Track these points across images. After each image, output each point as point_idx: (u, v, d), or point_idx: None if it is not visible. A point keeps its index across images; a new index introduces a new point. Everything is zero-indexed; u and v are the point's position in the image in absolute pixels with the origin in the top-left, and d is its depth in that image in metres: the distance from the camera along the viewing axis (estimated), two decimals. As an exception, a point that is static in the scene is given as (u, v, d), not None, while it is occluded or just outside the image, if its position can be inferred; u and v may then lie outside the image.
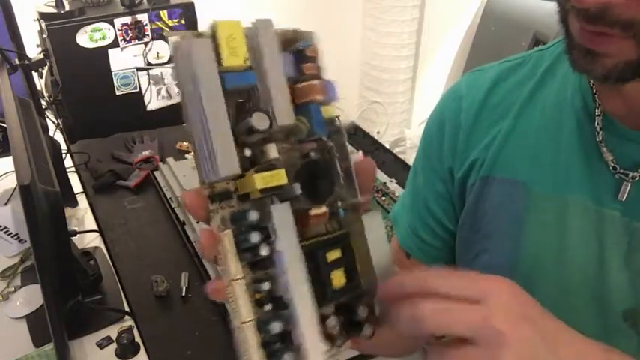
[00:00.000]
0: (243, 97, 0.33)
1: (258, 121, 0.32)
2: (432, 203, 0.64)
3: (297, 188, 0.33)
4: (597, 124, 0.51)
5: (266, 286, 0.32)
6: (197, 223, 1.16)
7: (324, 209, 0.35)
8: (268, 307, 0.32)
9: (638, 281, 0.49)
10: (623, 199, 0.49)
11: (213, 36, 0.32)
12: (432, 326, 0.34)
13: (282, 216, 0.32)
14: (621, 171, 0.49)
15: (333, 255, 0.35)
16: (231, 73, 0.32)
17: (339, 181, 0.36)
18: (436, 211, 0.64)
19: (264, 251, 0.32)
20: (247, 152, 0.33)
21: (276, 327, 0.31)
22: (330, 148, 0.36)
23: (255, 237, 0.32)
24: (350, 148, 1.51)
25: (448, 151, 0.61)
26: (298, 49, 0.36)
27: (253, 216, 0.32)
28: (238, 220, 0.32)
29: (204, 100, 0.30)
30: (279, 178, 0.32)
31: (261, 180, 0.31)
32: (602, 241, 0.50)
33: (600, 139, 0.51)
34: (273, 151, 0.33)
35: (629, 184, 0.49)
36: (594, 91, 0.52)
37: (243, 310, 0.31)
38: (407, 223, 0.68)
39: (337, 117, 0.38)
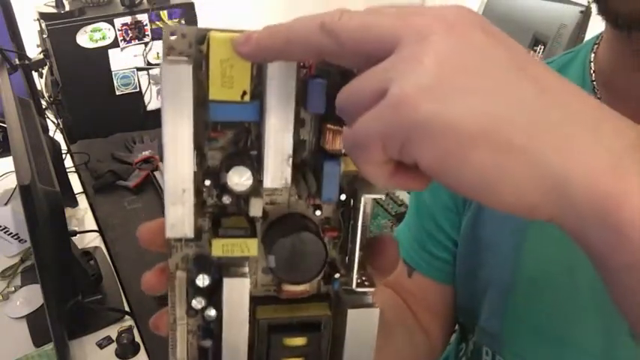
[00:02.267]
0: (240, 132, 0.27)
1: (236, 178, 0.26)
2: (439, 216, 0.63)
3: (272, 262, 0.27)
4: None
5: (207, 343, 0.29)
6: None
7: (302, 288, 0.29)
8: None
9: None
10: None
11: (207, 56, 0.25)
12: (338, 99, 0.23)
13: (235, 294, 0.27)
14: None
15: (295, 341, 0.29)
16: (222, 103, 0.25)
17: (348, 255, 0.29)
18: (444, 223, 0.63)
19: (212, 312, 0.28)
20: (226, 199, 0.27)
21: None
22: (341, 214, 0.29)
23: (198, 303, 0.28)
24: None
25: None
26: (347, 72, 0.25)
27: (202, 281, 0.27)
28: (191, 270, 0.28)
29: (166, 142, 0.25)
30: (245, 248, 0.26)
31: (219, 248, 0.26)
32: None
33: None
34: (256, 209, 0.27)
35: None
36: (598, 96, 0.51)
37: (179, 352, 0.29)
38: (413, 238, 0.66)
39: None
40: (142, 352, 0.92)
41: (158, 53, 1.63)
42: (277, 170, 0.26)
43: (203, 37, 0.25)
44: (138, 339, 0.93)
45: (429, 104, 0.20)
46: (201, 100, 0.25)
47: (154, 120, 1.67)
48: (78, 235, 1.17)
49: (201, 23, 1.65)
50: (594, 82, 0.52)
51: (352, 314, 0.28)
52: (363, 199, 0.27)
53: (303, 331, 0.29)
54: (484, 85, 0.21)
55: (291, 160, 0.26)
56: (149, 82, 1.66)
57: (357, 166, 0.23)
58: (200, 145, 0.27)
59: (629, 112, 0.53)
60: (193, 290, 0.28)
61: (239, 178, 0.26)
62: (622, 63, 0.48)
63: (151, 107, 1.69)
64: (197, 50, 0.25)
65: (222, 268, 0.28)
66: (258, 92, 0.25)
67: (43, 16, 1.49)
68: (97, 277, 1.02)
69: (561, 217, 0.21)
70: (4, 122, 1.13)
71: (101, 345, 0.93)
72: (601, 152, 0.20)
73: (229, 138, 0.27)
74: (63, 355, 0.81)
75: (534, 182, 0.20)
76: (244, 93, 0.25)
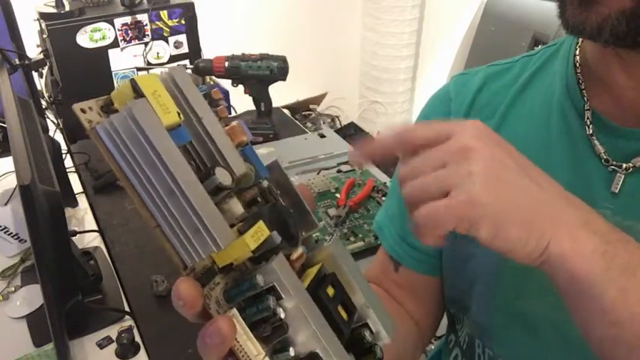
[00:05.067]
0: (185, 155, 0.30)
1: (223, 177, 0.29)
2: None
3: (277, 236, 0.31)
4: (587, 117, 0.51)
5: (292, 352, 0.30)
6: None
7: (300, 250, 0.33)
8: None
9: None
10: (617, 190, 0.49)
11: (140, 95, 0.28)
12: (409, 172, 0.37)
13: (284, 269, 0.30)
14: (614, 163, 0.50)
15: (330, 291, 0.34)
16: (174, 130, 0.28)
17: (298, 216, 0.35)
18: None
19: (282, 314, 0.29)
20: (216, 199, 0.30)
21: None
22: (269, 188, 0.34)
23: (271, 302, 0.29)
24: (346, 144, 1.51)
25: None
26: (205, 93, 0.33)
27: (260, 280, 0.29)
28: (237, 295, 0.30)
29: (172, 167, 0.27)
30: (262, 231, 0.30)
31: (251, 240, 0.29)
32: None
33: (591, 132, 0.51)
34: (237, 206, 0.31)
35: (623, 176, 0.49)
36: (583, 87, 0.53)
37: None
38: (395, 232, 0.66)
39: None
40: (142, 352, 0.92)
41: (158, 53, 1.63)
42: (236, 160, 0.31)
43: (107, 101, 0.29)
44: (138, 339, 0.93)
45: (487, 202, 0.34)
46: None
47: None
48: (78, 235, 1.17)
49: (202, 23, 1.65)
50: (579, 74, 0.54)
51: (329, 247, 0.35)
52: (281, 164, 0.35)
53: (324, 283, 0.34)
54: (509, 187, 0.35)
55: (236, 150, 0.32)
56: (149, 82, 1.66)
57: (422, 233, 0.36)
58: None
59: (612, 101, 0.55)
60: (257, 307, 0.29)
61: (224, 175, 0.29)
62: (602, 55, 0.50)
63: (151, 107, 1.69)
64: (106, 115, 0.29)
65: (251, 274, 0.30)
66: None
67: (43, 16, 1.49)
68: (97, 277, 1.02)
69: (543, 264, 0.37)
70: (4, 122, 1.13)
71: (101, 345, 0.93)
72: (572, 222, 0.36)
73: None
74: (63, 355, 0.81)
75: (535, 241, 0.35)
76: (178, 113, 0.29)
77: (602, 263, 0.35)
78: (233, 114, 1.70)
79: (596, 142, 0.51)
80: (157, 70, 1.64)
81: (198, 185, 0.28)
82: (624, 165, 0.49)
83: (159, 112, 0.28)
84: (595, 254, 0.35)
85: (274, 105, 1.59)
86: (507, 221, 0.34)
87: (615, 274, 0.35)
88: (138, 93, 0.28)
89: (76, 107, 0.28)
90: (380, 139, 0.39)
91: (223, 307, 0.30)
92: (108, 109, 0.29)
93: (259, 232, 0.29)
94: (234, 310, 0.29)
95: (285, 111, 1.88)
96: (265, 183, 0.34)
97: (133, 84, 0.28)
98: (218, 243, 0.27)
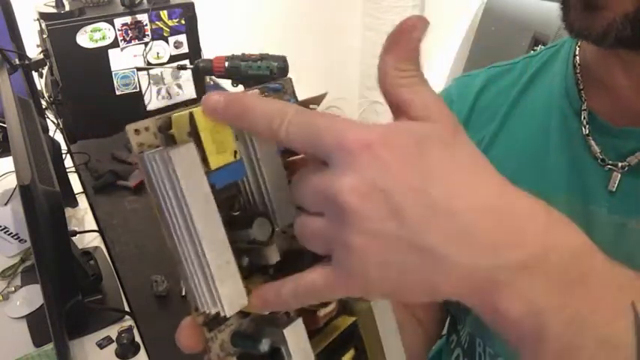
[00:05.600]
0: (232, 191, 0.28)
1: (260, 229, 0.27)
2: None
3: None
4: (584, 117, 0.52)
5: None
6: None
7: (330, 308, 0.30)
8: None
9: None
10: (614, 189, 0.50)
11: (194, 131, 0.26)
12: (294, 197, 0.28)
13: (295, 338, 0.28)
14: (610, 162, 0.50)
15: (348, 357, 0.30)
16: (218, 171, 0.27)
17: None
18: None
19: None
20: (245, 260, 0.28)
21: None
22: None
23: None
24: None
25: None
26: None
27: (265, 346, 0.27)
28: (242, 343, 0.28)
29: (198, 224, 0.25)
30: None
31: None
32: None
33: (587, 132, 0.51)
34: (274, 255, 0.28)
35: (619, 175, 0.50)
36: (581, 87, 0.53)
37: None
38: None
39: None
40: (142, 352, 0.92)
41: (158, 53, 1.63)
42: (285, 208, 0.28)
43: (166, 123, 0.26)
44: (138, 339, 0.93)
45: (370, 284, 0.26)
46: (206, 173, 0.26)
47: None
48: (78, 235, 1.17)
49: (202, 23, 1.65)
50: (578, 75, 0.54)
51: (376, 306, 0.31)
52: None
53: (346, 345, 0.31)
54: (396, 269, 0.26)
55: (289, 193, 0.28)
56: (149, 82, 1.66)
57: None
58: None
59: (609, 101, 0.54)
60: None
61: (262, 227, 0.27)
62: (603, 56, 0.50)
63: (151, 107, 1.69)
64: (162, 137, 0.26)
65: (261, 331, 0.28)
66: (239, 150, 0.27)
67: (43, 16, 1.49)
68: (97, 277, 1.02)
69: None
70: (4, 122, 1.13)
71: (101, 345, 0.93)
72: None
73: (222, 201, 0.27)
74: (63, 355, 0.81)
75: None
76: (235, 152, 0.27)
77: (533, 322, 0.27)
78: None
79: (592, 142, 0.51)
80: (158, 70, 1.64)
81: (221, 245, 0.26)
82: (620, 164, 0.49)
83: (210, 152, 0.26)
84: (527, 317, 0.26)
85: (274, 105, 1.58)
86: (400, 291, 0.27)
87: (557, 330, 0.27)
88: (193, 128, 0.26)
89: (130, 128, 0.26)
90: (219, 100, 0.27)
91: (225, 351, 0.28)
92: (165, 133, 0.26)
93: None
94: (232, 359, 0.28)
95: (285, 111, 1.87)
96: None
97: (193, 119, 0.26)
98: (224, 309, 0.26)
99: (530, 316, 0.26)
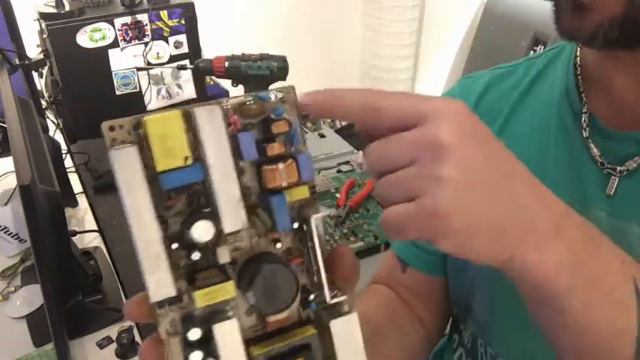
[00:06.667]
0: (191, 193, 0.30)
1: (200, 231, 0.29)
2: None
3: (251, 298, 0.29)
4: (584, 121, 0.52)
5: None
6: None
7: (285, 314, 0.31)
8: None
9: None
10: (611, 193, 0.50)
11: (146, 137, 0.29)
12: (375, 163, 0.32)
13: (227, 337, 0.29)
14: (609, 166, 0.50)
15: None
16: (169, 172, 0.29)
17: (312, 275, 0.32)
18: None
19: None
20: (195, 256, 0.30)
21: None
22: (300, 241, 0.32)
23: (197, 357, 0.29)
24: (351, 150, 1.51)
25: None
26: (268, 120, 0.31)
27: (194, 335, 0.29)
28: (185, 326, 0.29)
29: (129, 217, 0.28)
30: (224, 292, 0.29)
31: (202, 298, 0.29)
32: None
33: (587, 135, 0.51)
34: (224, 256, 0.30)
35: (617, 179, 0.50)
36: (581, 90, 0.53)
37: None
38: None
39: (312, 194, 0.31)
40: (142, 352, 0.92)
41: (158, 53, 1.63)
42: (232, 214, 0.29)
43: (138, 122, 0.29)
44: (138, 339, 0.93)
45: (453, 216, 0.30)
46: (152, 175, 0.29)
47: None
48: (78, 235, 1.17)
49: (202, 23, 1.65)
50: (579, 77, 0.54)
51: (334, 325, 0.30)
52: (313, 221, 0.31)
53: (297, 355, 0.31)
54: (480, 199, 0.31)
55: (242, 203, 0.30)
56: (149, 82, 1.66)
57: (389, 235, 0.32)
58: (161, 214, 0.29)
59: (609, 104, 0.55)
60: (188, 348, 0.29)
61: (202, 230, 0.29)
62: (599, 56, 0.51)
63: (150, 107, 1.69)
64: (136, 135, 0.29)
65: (208, 320, 0.29)
66: (197, 155, 0.29)
67: (43, 16, 1.49)
68: (97, 277, 1.02)
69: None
70: (4, 122, 1.13)
71: (101, 345, 0.93)
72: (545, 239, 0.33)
73: (184, 202, 0.30)
74: (63, 355, 0.81)
75: (499, 255, 0.33)
76: (186, 158, 0.29)
77: (566, 276, 0.33)
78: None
79: (591, 145, 0.51)
80: (158, 70, 1.64)
81: (152, 240, 0.28)
82: (618, 168, 0.49)
83: (157, 156, 0.28)
84: (560, 267, 0.33)
85: (274, 105, 1.58)
86: (472, 237, 0.31)
87: (580, 286, 0.33)
88: (145, 135, 0.29)
89: (105, 125, 0.29)
90: (342, 93, 0.32)
91: (171, 330, 0.30)
92: (137, 131, 0.29)
93: (220, 293, 0.29)
94: (175, 339, 0.30)
95: (285, 111, 1.87)
96: (297, 237, 0.32)
97: (145, 125, 0.29)
98: (150, 296, 0.29)
99: (564, 269, 0.33)
